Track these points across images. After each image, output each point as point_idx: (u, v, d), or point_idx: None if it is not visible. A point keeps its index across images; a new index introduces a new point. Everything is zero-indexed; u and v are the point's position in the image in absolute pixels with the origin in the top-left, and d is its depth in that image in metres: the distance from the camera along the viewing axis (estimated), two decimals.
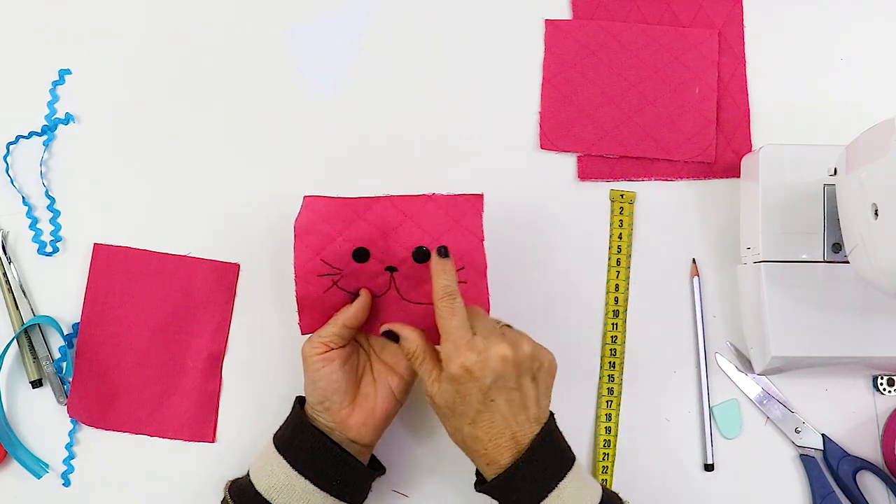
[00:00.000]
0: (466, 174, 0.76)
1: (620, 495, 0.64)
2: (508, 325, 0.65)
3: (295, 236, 0.66)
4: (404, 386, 0.67)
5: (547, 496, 0.60)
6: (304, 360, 0.65)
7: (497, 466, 0.61)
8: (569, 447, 0.63)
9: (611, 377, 0.75)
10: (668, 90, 0.78)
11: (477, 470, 0.65)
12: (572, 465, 0.62)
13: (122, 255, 0.74)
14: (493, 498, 0.63)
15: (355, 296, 0.67)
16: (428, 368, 0.63)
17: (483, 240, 0.66)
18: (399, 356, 0.68)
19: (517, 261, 0.75)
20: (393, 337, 0.65)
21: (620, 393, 0.75)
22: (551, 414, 0.63)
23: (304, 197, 0.66)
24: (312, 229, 0.66)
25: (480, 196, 0.66)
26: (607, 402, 0.74)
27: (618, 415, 0.74)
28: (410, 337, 0.64)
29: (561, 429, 0.64)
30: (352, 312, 0.66)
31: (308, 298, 0.66)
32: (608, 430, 0.74)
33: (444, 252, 0.64)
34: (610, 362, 0.75)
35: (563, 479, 0.61)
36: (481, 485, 0.64)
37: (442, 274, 0.63)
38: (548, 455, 0.61)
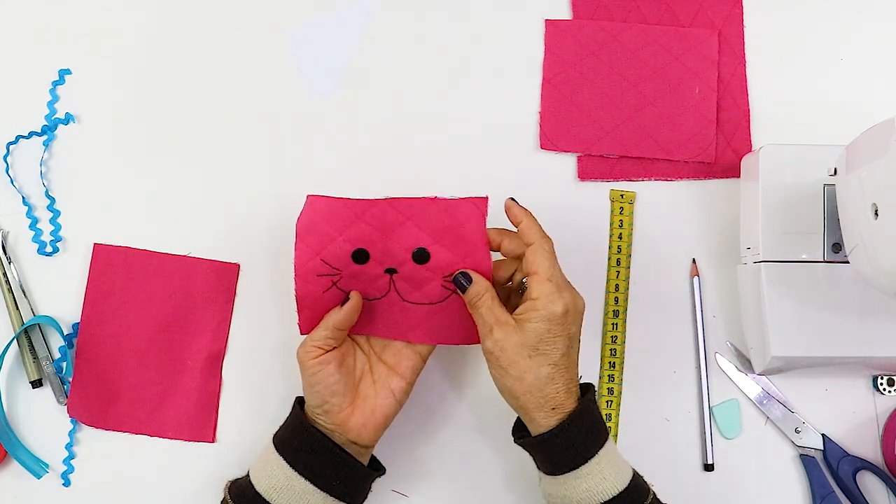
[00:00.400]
0: (466, 174, 0.76)
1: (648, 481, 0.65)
2: None
3: (296, 235, 0.66)
4: (405, 387, 0.67)
5: (588, 461, 0.61)
6: (299, 365, 0.65)
7: (562, 411, 0.62)
8: (604, 419, 0.65)
9: (611, 377, 0.75)
10: (668, 90, 0.78)
11: (516, 426, 0.65)
12: (608, 436, 0.64)
13: (122, 255, 0.74)
14: (533, 455, 0.64)
15: None
16: (498, 312, 0.63)
17: (487, 243, 0.66)
18: (399, 357, 0.68)
19: None
20: (461, 284, 0.65)
21: (620, 393, 0.75)
22: (593, 385, 0.65)
23: (308, 196, 0.66)
24: (314, 229, 0.66)
25: (485, 199, 0.66)
26: (607, 402, 0.74)
27: (618, 415, 0.74)
28: (479, 280, 0.64)
29: None
30: (342, 315, 0.65)
31: (307, 298, 0.66)
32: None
33: (515, 201, 0.66)
34: (610, 362, 0.75)
35: (602, 447, 0.62)
36: (523, 439, 0.64)
37: (533, 222, 0.65)
38: (591, 422, 0.63)
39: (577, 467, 0.61)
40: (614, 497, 0.61)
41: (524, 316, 0.62)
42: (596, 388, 0.74)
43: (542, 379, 0.61)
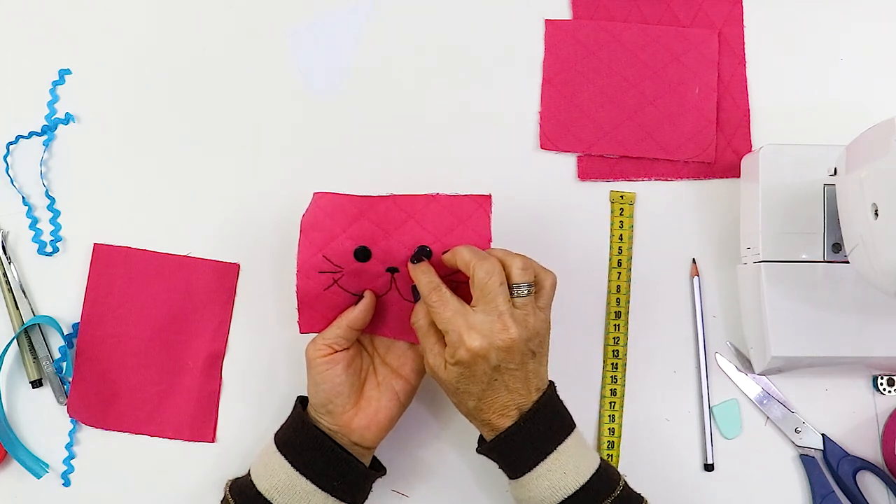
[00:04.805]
0: (466, 174, 0.76)
1: (620, 471, 0.64)
2: (521, 286, 0.62)
3: (300, 231, 0.66)
4: (409, 389, 0.67)
5: (545, 458, 0.61)
6: (307, 362, 0.65)
7: (498, 431, 0.62)
8: (569, 414, 0.64)
9: (613, 378, 0.75)
10: (668, 90, 0.78)
11: (480, 434, 0.65)
12: (572, 431, 0.63)
13: (122, 255, 0.74)
14: (493, 460, 0.64)
15: (356, 296, 0.67)
16: (431, 341, 0.63)
17: (490, 241, 0.66)
18: (404, 359, 0.68)
19: None
20: (418, 295, 0.65)
21: (623, 393, 0.75)
22: (551, 383, 0.64)
23: (314, 193, 0.66)
24: (318, 225, 0.66)
25: (488, 197, 0.66)
26: (610, 402, 0.74)
27: (621, 415, 0.74)
28: (418, 309, 0.64)
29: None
30: (356, 314, 0.65)
31: (308, 295, 0.66)
32: (612, 430, 0.74)
33: (415, 258, 0.65)
34: (612, 363, 0.75)
35: (562, 442, 0.62)
36: (482, 446, 0.64)
37: (421, 275, 0.64)
38: (547, 420, 0.62)
39: (536, 465, 0.61)
40: (577, 491, 0.61)
41: (444, 357, 0.62)
42: (599, 390, 0.75)
43: (471, 410, 0.63)
